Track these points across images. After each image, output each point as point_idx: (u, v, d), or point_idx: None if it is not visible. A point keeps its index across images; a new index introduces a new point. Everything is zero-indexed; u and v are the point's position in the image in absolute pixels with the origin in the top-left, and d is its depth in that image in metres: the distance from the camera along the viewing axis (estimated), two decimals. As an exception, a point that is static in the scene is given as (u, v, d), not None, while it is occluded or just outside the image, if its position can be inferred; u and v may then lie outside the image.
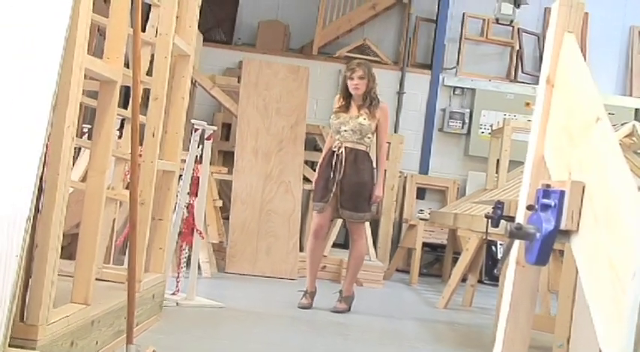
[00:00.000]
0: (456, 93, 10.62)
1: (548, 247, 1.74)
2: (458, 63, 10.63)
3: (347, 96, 6.11)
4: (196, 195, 5.76)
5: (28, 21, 2.61)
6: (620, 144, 7.00)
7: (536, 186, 1.90)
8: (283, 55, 10.39)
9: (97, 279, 3.63)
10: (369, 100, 6.03)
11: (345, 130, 5.94)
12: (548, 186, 1.78)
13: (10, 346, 2.56)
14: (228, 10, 10.76)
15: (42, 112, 2.60)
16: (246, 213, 7.89)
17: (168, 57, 4.26)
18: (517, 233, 1.79)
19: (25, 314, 2.82)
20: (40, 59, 2.62)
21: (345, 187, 5.87)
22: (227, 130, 9.99)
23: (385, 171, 6.56)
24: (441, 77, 10.55)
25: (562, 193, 1.70)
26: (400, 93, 10.53)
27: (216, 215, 7.74)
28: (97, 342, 3.52)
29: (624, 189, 1.48)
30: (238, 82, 8.52)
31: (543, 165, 1.94)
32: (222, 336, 4.70)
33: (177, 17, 4.45)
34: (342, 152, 5.91)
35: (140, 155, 4.33)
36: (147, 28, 4.63)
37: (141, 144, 4.40)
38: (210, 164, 6.41)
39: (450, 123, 10.46)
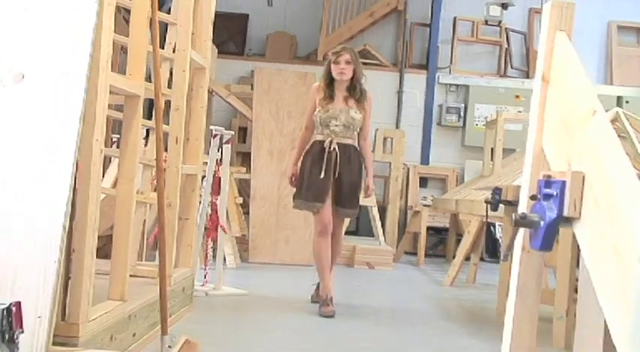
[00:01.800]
0: (451, 89, 10.53)
1: (552, 234, 1.67)
2: (451, 62, 10.53)
3: (329, 83, 5.04)
4: (218, 194, 5.71)
5: (57, 43, 2.55)
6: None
7: (537, 176, 1.83)
8: (291, 62, 10.31)
9: (131, 276, 3.57)
10: (359, 91, 5.03)
11: (337, 125, 4.96)
12: (549, 176, 1.70)
13: (53, 344, 2.50)
14: (239, 24, 10.70)
15: (71, 128, 2.54)
16: (265, 208, 7.84)
17: (186, 71, 4.19)
18: (522, 222, 1.72)
19: (66, 313, 2.76)
20: (68, 79, 2.56)
21: (342, 187, 4.98)
22: (244, 133, 9.94)
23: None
24: (436, 76, 10.46)
25: (563, 183, 1.62)
26: (400, 92, 10.45)
27: (238, 211, 7.70)
28: (134, 334, 3.47)
29: (624, 178, 1.41)
30: (252, 89, 8.45)
31: (543, 156, 1.86)
32: (248, 323, 4.65)
33: (192, 33, 4.39)
34: (334, 149, 4.94)
35: (165, 161, 4.28)
36: (165, 44, 4.57)
37: (165, 151, 4.36)
38: (230, 165, 6.36)
39: (447, 117, 10.38)
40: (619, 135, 6.96)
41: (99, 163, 2.83)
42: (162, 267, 3.55)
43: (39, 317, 2.32)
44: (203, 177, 5.24)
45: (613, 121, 6.89)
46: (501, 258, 2.13)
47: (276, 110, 8.11)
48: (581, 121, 1.66)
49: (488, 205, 5.31)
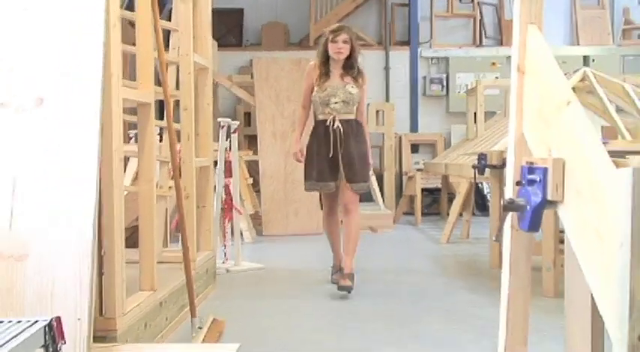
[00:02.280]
0: (433, 62, 10.42)
1: (538, 216, 1.65)
2: (431, 37, 10.41)
3: (325, 62, 4.68)
4: (230, 176, 5.68)
5: (70, 66, 2.51)
6: (574, 88, 6.86)
7: (520, 162, 1.80)
8: (286, 49, 10.22)
9: (158, 263, 3.55)
10: (356, 69, 4.68)
11: (336, 102, 4.60)
12: (531, 163, 1.68)
13: (93, 340, 2.49)
14: (236, 18, 10.58)
15: (92, 141, 2.50)
16: (274, 186, 7.82)
17: (191, 73, 4.14)
18: (510, 206, 1.69)
19: (102, 308, 2.76)
20: (84, 98, 2.52)
21: (349, 161, 4.60)
22: (248, 117, 9.86)
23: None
24: (418, 50, 10.33)
25: (545, 169, 1.60)
26: (387, 68, 10.35)
27: (249, 190, 7.68)
28: (166, 318, 3.47)
29: (601, 164, 1.38)
30: (252, 78, 8.38)
31: (524, 142, 1.83)
32: (267, 295, 4.62)
33: (194, 37, 4.33)
34: (338, 127, 4.57)
35: (179, 157, 4.26)
36: (170, 49, 4.51)
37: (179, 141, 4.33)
38: (238, 149, 6.33)
39: (431, 88, 10.29)
40: (588, 92, 6.94)
41: (120, 170, 2.80)
42: (186, 254, 3.54)
43: (78, 319, 2.31)
44: (215, 162, 5.20)
45: (582, 80, 6.86)
46: (493, 238, 2.09)
47: (275, 95, 8.06)
48: (557, 111, 1.62)
49: (476, 169, 5.30)
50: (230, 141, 5.55)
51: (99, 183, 2.55)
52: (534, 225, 1.67)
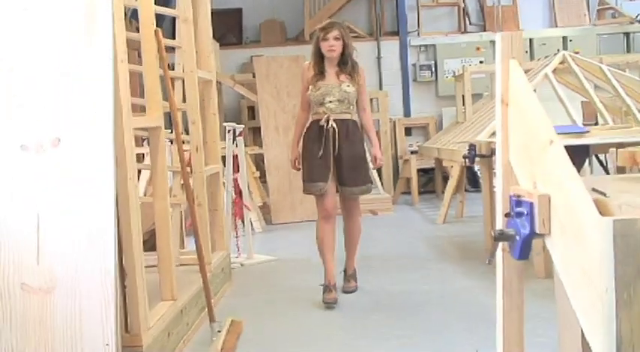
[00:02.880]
0: (422, 50, 10.35)
1: (527, 247, 1.64)
2: (418, 26, 10.31)
3: (319, 61, 4.26)
4: (238, 171, 5.67)
5: (83, 104, 2.50)
6: (555, 70, 6.80)
7: (507, 190, 1.79)
8: (283, 45, 10.16)
9: (176, 266, 3.56)
10: (350, 65, 4.24)
11: (331, 101, 4.16)
12: (519, 196, 1.67)
13: (122, 358, 2.51)
14: (235, 18, 10.49)
15: (108, 172, 2.50)
16: (279, 176, 7.81)
17: (196, 89, 4.12)
18: (500, 237, 1.69)
19: (128, 326, 2.77)
20: (98, 133, 2.51)
21: (342, 163, 4.15)
22: (252, 111, 9.84)
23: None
24: (407, 40, 10.25)
25: (532, 204, 1.59)
26: (378, 57, 10.28)
27: (257, 183, 7.69)
28: (187, 324, 3.49)
29: (584, 207, 1.37)
30: (253, 76, 8.34)
31: (511, 170, 1.82)
32: (281, 287, 4.63)
33: (196, 52, 4.30)
34: (332, 126, 4.13)
35: (189, 166, 4.25)
36: (175, 65, 4.48)
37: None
38: (245, 146, 6.32)
39: (421, 74, 10.23)
40: (568, 72, 6.90)
41: (135, 195, 2.80)
42: (202, 260, 3.56)
43: (107, 344, 2.32)
44: (223, 157, 5.14)
45: (562, 63, 6.83)
46: (486, 262, 2.08)
47: (276, 92, 8.03)
48: (540, 148, 1.61)
49: (466, 159, 5.29)
50: (236, 143, 5.54)
51: (117, 211, 2.55)
52: (524, 253, 1.66)
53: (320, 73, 4.25)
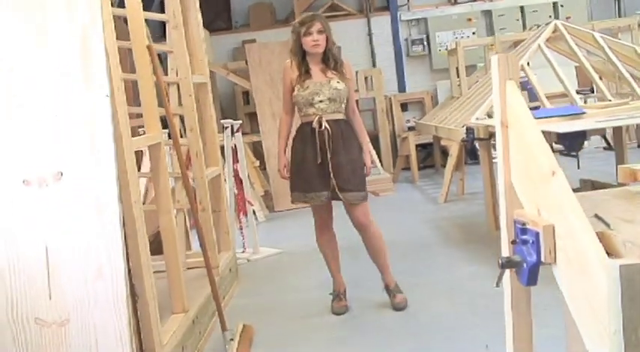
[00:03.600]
0: (413, 24, 10.30)
1: (534, 274, 1.66)
2: (408, 0, 10.25)
3: (302, 59, 3.85)
4: (238, 161, 5.68)
5: (84, 138, 2.50)
6: (549, 38, 6.78)
7: (511, 212, 1.81)
8: (273, 27, 10.11)
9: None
10: (333, 59, 3.84)
11: (321, 101, 3.76)
12: (523, 224, 1.68)
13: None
14: (222, 2, 10.40)
15: (112, 200, 2.51)
16: (278, 158, 7.80)
17: (192, 95, 4.12)
18: (507, 264, 1.71)
19: (142, 346, 2.81)
20: (100, 158, 2.52)
21: (341, 168, 3.76)
22: (247, 96, 9.80)
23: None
24: (398, 14, 10.20)
25: (537, 233, 1.61)
26: (370, 34, 10.23)
27: (257, 173, 7.70)
28: (199, 333, 3.53)
29: (588, 240, 1.39)
30: (246, 64, 8.30)
31: (514, 191, 1.83)
32: (289, 284, 4.67)
33: (189, 55, 4.28)
34: (325, 128, 3.73)
35: (189, 169, 4.27)
36: (169, 70, 4.48)
37: (189, 160, 4.33)
38: (243, 134, 6.29)
39: (414, 49, 10.19)
40: (561, 39, 6.88)
41: (141, 219, 2.81)
42: (210, 271, 3.59)
43: (124, 374, 2.35)
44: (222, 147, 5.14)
45: (554, 31, 6.82)
46: (494, 285, 2.10)
47: (270, 79, 8.00)
48: (543, 178, 1.62)
49: (465, 144, 5.30)
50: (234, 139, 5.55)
51: (124, 237, 2.57)
52: (532, 280, 1.68)
53: (306, 72, 3.84)
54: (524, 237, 1.68)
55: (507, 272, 1.86)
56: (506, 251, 1.80)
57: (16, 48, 2.53)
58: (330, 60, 3.86)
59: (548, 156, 1.63)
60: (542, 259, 1.61)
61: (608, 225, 1.52)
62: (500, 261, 1.72)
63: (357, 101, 4.29)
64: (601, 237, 1.46)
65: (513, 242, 1.74)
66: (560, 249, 1.55)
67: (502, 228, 1.86)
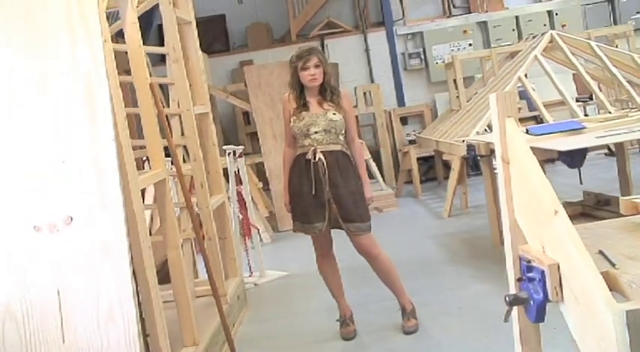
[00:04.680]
0: (409, 38, 10.35)
1: (542, 311, 1.68)
2: (403, 15, 10.30)
3: (300, 92, 3.90)
4: (241, 183, 5.72)
5: (91, 180, 2.53)
6: (545, 48, 6.84)
7: (517, 248, 1.84)
8: (271, 47, 10.18)
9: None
10: (330, 91, 3.89)
11: (317, 132, 3.80)
12: (529, 261, 1.71)
13: None
14: (219, 24, 10.46)
15: (122, 242, 2.54)
16: (281, 184, 7.77)
17: (194, 127, 4.15)
18: (514, 301, 1.73)
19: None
20: (108, 201, 2.55)
21: (340, 198, 3.79)
22: (247, 116, 9.85)
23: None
24: (394, 29, 10.25)
25: (543, 271, 1.63)
26: (367, 50, 10.29)
27: (261, 195, 7.73)
28: (211, 363, 3.55)
29: (595, 288, 1.41)
30: (245, 86, 8.35)
31: (518, 227, 1.86)
32: (297, 308, 4.69)
33: (190, 85, 4.32)
34: (320, 159, 3.77)
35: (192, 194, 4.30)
36: (170, 102, 4.51)
37: (193, 188, 4.37)
38: (245, 155, 6.33)
39: (411, 62, 10.23)
40: (557, 48, 6.94)
41: (150, 258, 2.84)
42: (218, 300, 3.61)
43: None
44: (225, 169, 5.17)
45: (550, 41, 6.89)
46: (503, 320, 2.13)
47: (270, 99, 8.04)
48: (546, 216, 1.65)
49: (467, 160, 5.33)
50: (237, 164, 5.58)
51: (134, 278, 2.60)
52: (540, 317, 1.70)
53: (303, 104, 3.89)
54: (530, 274, 1.71)
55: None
56: (512, 288, 1.83)
57: (19, 93, 2.56)
58: (327, 91, 3.89)
59: (550, 195, 1.66)
60: (549, 297, 1.64)
61: (613, 264, 1.55)
62: (507, 299, 1.74)
63: (358, 124, 4.30)
64: (606, 276, 1.49)
65: (519, 279, 1.76)
66: (567, 287, 1.57)
67: (508, 265, 1.89)
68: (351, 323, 4.03)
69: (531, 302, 1.70)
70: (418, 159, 9.22)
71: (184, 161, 4.70)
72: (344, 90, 4.06)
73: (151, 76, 3.78)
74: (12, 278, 2.49)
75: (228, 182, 5.59)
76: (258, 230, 5.97)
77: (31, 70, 2.57)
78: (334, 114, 3.85)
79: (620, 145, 6.45)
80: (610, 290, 1.43)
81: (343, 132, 3.90)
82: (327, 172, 3.79)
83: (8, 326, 2.49)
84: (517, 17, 10.05)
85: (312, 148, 3.82)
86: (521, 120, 8.05)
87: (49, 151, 2.50)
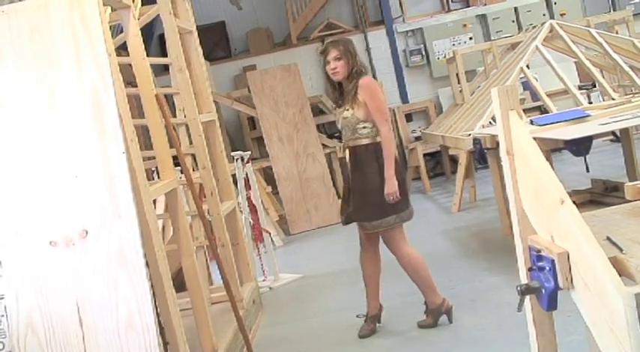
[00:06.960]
0: (409, 35, 10.37)
1: (554, 299, 1.71)
2: (402, 12, 10.32)
3: (338, 86, 3.88)
4: (250, 188, 5.76)
5: (104, 196, 2.58)
6: (546, 38, 6.85)
7: (526, 239, 1.86)
8: (272, 51, 10.22)
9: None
10: (352, 86, 3.76)
11: (341, 130, 3.91)
12: (539, 251, 1.74)
13: None
14: (220, 31, 10.51)
15: (136, 252, 2.58)
16: (291, 187, 7.90)
17: (201, 135, 4.19)
18: (526, 291, 1.76)
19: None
20: (123, 212, 2.59)
21: (352, 195, 3.84)
22: (253, 121, 9.88)
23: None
24: (393, 27, 10.27)
25: (553, 261, 1.66)
26: (368, 49, 10.30)
27: (271, 199, 7.77)
28: (231, 368, 3.59)
29: (604, 274, 1.43)
30: (249, 91, 8.40)
31: (526, 218, 1.89)
32: (313, 310, 4.71)
33: (195, 94, 4.36)
34: (346, 155, 3.90)
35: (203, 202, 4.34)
36: (176, 111, 4.55)
37: (204, 196, 4.41)
38: (253, 160, 6.36)
39: (413, 59, 10.25)
40: (558, 37, 6.95)
41: (165, 266, 2.88)
42: (234, 303, 3.65)
43: None
44: (233, 175, 5.22)
45: (550, 31, 6.89)
46: (517, 309, 2.15)
47: (274, 103, 8.09)
48: (553, 206, 1.67)
49: (473, 154, 5.34)
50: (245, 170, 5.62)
51: (151, 288, 2.64)
52: (552, 305, 1.73)
53: (340, 97, 3.89)
54: (540, 263, 1.73)
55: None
56: (524, 278, 1.86)
57: (29, 109, 2.61)
58: (350, 85, 3.80)
59: (556, 185, 1.69)
60: (560, 285, 1.66)
61: (620, 249, 1.57)
62: (519, 288, 1.77)
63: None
64: (614, 262, 1.52)
65: (530, 269, 1.79)
66: (577, 275, 1.60)
67: (518, 255, 1.92)
68: (372, 322, 3.99)
69: (543, 290, 1.73)
70: (425, 155, 9.25)
71: (193, 170, 4.74)
72: (363, 79, 3.80)
73: (155, 86, 3.82)
74: (32, 293, 2.54)
75: (237, 188, 5.64)
76: (270, 234, 6.00)
77: (40, 87, 2.62)
78: (347, 110, 3.79)
79: (625, 131, 6.45)
80: (619, 275, 1.46)
81: (360, 124, 3.76)
82: (350, 168, 3.88)
83: (30, 339, 2.55)
84: (516, 8, 10.05)
85: (343, 144, 3.97)
86: (526, 110, 8.04)
87: (61, 167, 2.55)
